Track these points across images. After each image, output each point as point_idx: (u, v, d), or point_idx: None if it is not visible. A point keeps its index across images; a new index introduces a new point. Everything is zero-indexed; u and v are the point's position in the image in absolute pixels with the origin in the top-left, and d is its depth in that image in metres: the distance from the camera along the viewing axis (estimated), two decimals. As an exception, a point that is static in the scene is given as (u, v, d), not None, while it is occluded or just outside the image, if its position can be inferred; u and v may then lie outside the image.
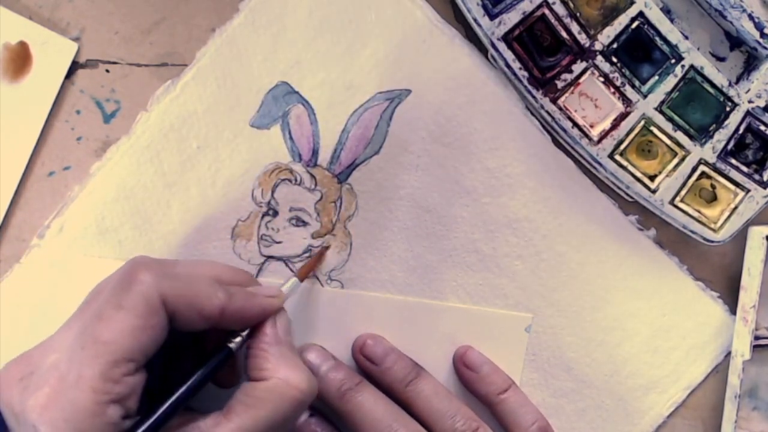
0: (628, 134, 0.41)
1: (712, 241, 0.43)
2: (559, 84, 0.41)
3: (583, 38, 0.40)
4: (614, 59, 0.41)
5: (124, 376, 0.29)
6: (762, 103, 0.42)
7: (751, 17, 0.41)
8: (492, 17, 0.40)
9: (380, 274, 0.41)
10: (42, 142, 0.38)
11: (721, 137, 0.42)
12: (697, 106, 0.42)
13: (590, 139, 0.41)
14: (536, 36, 0.41)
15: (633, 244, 0.44)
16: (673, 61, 0.41)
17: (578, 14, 0.40)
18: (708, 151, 0.42)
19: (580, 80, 0.41)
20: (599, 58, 0.41)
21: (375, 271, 0.41)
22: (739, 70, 0.43)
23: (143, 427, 0.30)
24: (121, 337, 0.29)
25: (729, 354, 0.45)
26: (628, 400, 0.44)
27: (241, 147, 0.40)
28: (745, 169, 0.43)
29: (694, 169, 0.42)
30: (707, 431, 0.46)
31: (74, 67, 0.38)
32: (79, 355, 0.29)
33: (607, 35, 0.41)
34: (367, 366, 0.40)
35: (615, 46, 0.41)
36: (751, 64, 0.43)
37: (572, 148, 0.42)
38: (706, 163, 0.42)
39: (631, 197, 0.43)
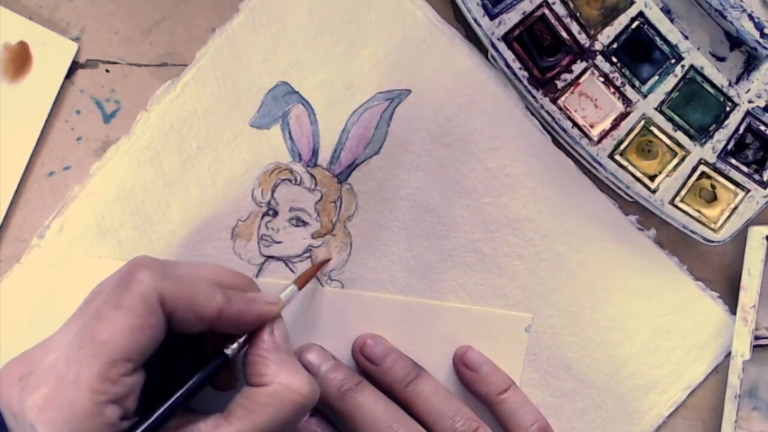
0: (628, 134, 0.41)
1: (712, 241, 0.43)
2: (559, 84, 0.41)
3: (583, 38, 0.40)
4: (614, 59, 0.41)
5: (122, 376, 0.29)
6: (762, 103, 0.42)
7: (751, 17, 0.41)
8: (492, 17, 0.40)
9: (380, 274, 0.41)
10: (42, 142, 0.38)
11: (721, 137, 0.42)
12: (697, 106, 0.42)
13: (590, 139, 0.41)
14: (536, 36, 0.41)
15: (633, 244, 0.44)
16: (673, 61, 0.41)
17: (578, 14, 0.40)
18: (708, 151, 0.42)
19: (580, 80, 0.41)
20: (599, 58, 0.41)
21: (375, 271, 0.41)
22: (739, 70, 0.43)
23: (140, 429, 0.30)
24: (119, 336, 0.29)
25: (729, 354, 0.45)
26: (628, 400, 0.44)
27: (241, 147, 0.40)
28: (745, 169, 0.43)
29: (694, 169, 0.42)
30: (707, 431, 0.46)
31: (74, 67, 0.38)
32: (77, 354, 0.29)
33: (607, 35, 0.41)
34: (367, 366, 0.40)
35: (615, 46, 0.41)
36: (751, 64, 0.43)
37: (572, 148, 0.42)
38: (706, 163, 0.42)
39: (631, 197, 0.43)
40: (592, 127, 0.41)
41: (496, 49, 0.40)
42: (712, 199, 0.43)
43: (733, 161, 0.42)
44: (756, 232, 0.44)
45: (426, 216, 0.42)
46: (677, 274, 0.44)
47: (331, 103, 0.40)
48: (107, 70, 0.39)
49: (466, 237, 0.42)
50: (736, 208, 0.43)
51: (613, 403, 0.44)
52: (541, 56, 0.41)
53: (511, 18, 0.40)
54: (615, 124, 0.41)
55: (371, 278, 0.41)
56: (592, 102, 0.41)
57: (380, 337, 0.41)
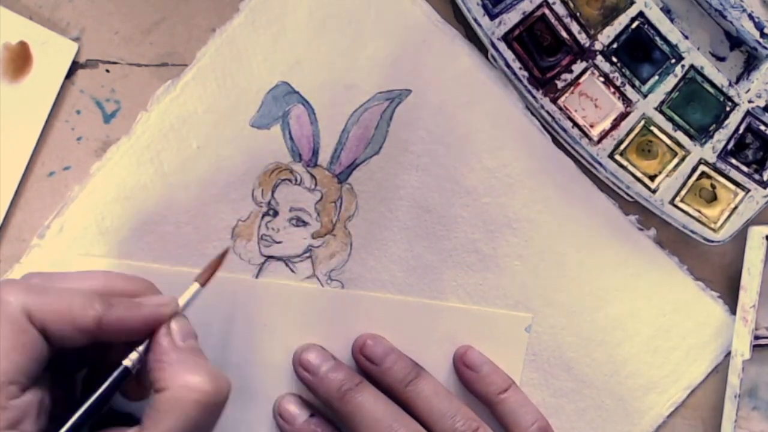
0: (628, 134, 0.41)
1: (712, 241, 0.43)
2: (559, 84, 0.41)
3: (583, 38, 0.40)
4: (614, 59, 0.41)
5: (9, 400, 0.28)
6: (762, 103, 0.42)
7: (751, 17, 0.41)
8: (492, 17, 0.40)
9: (380, 274, 0.41)
10: (42, 142, 0.38)
11: (721, 137, 0.42)
12: (697, 106, 0.42)
13: (590, 139, 0.41)
14: (536, 36, 0.41)
15: (633, 244, 0.44)
16: (673, 61, 0.41)
17: (578, 14, 0.40)
18: (708, 151, 0.42)
19: (580, 80, 0.41)
20: (599, 58, 0.41)
21: (375, 271, 0.41)
22: (739, 70, 0.43)
23: None
24: None
25: (729, 354, 0.45)
26: (628, 400, 0.44)
27: (241, 147, 0.40)
28: (745, 169, 0.43)
29: (694, 169, 0.42)
30: (707, 431, 0.46)
31: (74, 67, 0.38)
32: None
33: (607, 35, 0.41)
34: (367, 366, 0.40)
35: (615, 46, 0.41)
36: (751, 64, 0.43)
37: (572, 148, 0.42)
38: (706, 163, 0.42)
39: (631, 197, 0.43)
40: (592, 127, 0.41)
41: (496, 49, 0.40)
42: (712, 199, 0.43)
43: (733, 161, 0.42)
44: (756, 232, 0.44)
45: (426, 216, 0.42)
46: (677, 274, 0.44)
47: (331, 103, 0.40)
48: (107, 70, 0.39)
49: (466, 237, 0.42)
50: (736, 208, 0.43)
51: (613, 403, 0.44)
52: (541, 56, 0.41)
53: (511, 18, 0.40)
54: (615, 124, 0.41)
55: (371, 278, 0.41)
56: (592, 102, 0.41)
57: (380, 337, 0.41)
